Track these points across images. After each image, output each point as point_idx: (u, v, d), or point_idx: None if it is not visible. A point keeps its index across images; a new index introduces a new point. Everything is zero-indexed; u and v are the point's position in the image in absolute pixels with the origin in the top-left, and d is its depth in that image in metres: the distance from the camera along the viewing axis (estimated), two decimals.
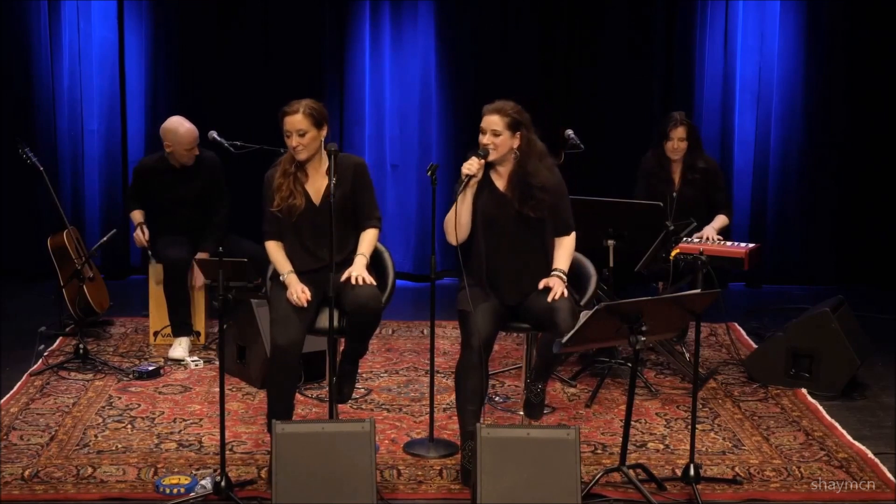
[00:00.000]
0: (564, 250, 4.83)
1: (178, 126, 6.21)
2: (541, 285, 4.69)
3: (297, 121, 4.70)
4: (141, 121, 8.13)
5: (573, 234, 4.86)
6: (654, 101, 8.11)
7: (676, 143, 6.19)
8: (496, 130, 4.70)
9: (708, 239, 6.05)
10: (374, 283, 4.75)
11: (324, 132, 4.78)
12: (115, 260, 8.15)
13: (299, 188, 4.78)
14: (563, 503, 4.03)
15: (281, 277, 4.77)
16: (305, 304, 4.66)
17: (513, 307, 4.78)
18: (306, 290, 4.68)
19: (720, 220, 6.22)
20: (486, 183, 4.78)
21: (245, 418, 5.32)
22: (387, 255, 5.06)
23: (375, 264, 4.95)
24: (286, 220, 4.80)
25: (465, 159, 4.72)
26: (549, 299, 4.61)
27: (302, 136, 4.70)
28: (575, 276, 4.95)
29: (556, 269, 4.76)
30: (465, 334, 4.66)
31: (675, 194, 6.20)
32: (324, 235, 4.64)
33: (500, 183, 4.79)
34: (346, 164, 4.83)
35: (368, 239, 4.87)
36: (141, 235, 6.35)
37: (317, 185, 4.82)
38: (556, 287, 4.66)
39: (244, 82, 8.02)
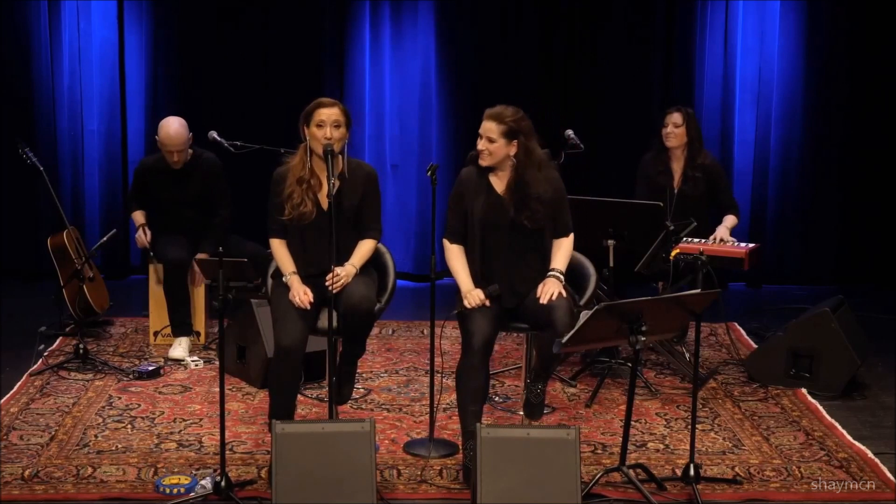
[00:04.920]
0: (562, 251, 4.81)
1: (165, 124, 6.19)
2: (537, 292, 4.66)
3: (335, 112, 4.67)
4: (141, 121, 8.13)
5: (571, 236, 4.85)
6: (654, 101, 8.11)
7: (671, 128, 6.15)
8: (491, 137, 4.66)
9: (722, 240, 6.03)
10: (344, 289, 4.68)
11: (348, 135, 4.75)
12: (115, 260, 8.15)
13: (311, 195, 4.72)
14: (562, 503, 4.04)
15: (284, 278, 4.76)
16: (308, 307, 4.64)
17: (511, 309, 4.77)
18: (308, 291, 4.66)
19: (730, 220, 6.19)
20: (484, 187, 4.76)
21: (245, 418, 5.32)
22: (387, 256, 5.05)
23: (376, 264, 4.94)
24: (294, 225, 4.77)
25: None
26: (544, 301, 4.60)
27: (337, 127, 4.66)
28: (575, 276, 4.95)
29: (552, 270, 4.75)
30: (464, 335, 4.64)
31: (675, 190, 6.18)
32: (330, 240, 4.61)
33: (498, 187, 4.76)
34: (359, 171, 4.82)
35: (364, 249, 4.82)
36: (143, 237, 6.35)
37: (327, 189, 4.74)
38: (550, 287, 4.65)
39: (244, 82, 8.02)
